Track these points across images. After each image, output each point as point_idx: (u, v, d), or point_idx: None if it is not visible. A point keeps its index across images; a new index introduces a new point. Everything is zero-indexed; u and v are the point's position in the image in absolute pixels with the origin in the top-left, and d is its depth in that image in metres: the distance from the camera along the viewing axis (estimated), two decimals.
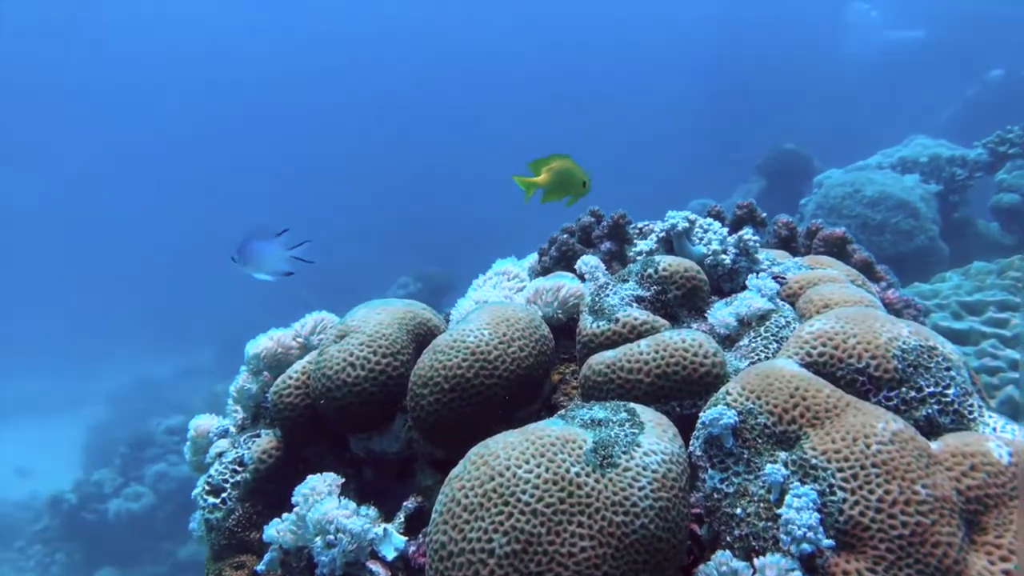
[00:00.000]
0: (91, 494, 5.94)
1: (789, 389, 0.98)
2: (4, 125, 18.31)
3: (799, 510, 0.86)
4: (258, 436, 1.44)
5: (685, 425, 1.06)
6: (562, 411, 1.08)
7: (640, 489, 0.88)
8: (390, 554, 1.12)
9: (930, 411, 1.01)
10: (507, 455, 0.92)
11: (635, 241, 1.66)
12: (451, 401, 1.18)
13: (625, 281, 1.35)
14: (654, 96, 19.39)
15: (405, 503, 1.23)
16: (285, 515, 1.18)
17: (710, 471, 0.98)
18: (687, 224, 1.49)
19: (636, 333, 1.23)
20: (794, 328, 1.22)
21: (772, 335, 1.24)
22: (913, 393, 1.01)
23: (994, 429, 1.00)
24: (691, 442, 1.03)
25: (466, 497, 0.90)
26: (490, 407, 1.19)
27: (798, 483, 0.90)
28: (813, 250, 1.70)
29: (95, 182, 19.41)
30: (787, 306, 1.32)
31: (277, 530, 1.17)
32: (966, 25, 12.81)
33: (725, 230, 1.51)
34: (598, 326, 1.27)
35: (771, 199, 6.17)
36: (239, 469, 1.41)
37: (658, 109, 19.03)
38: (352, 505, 1.15)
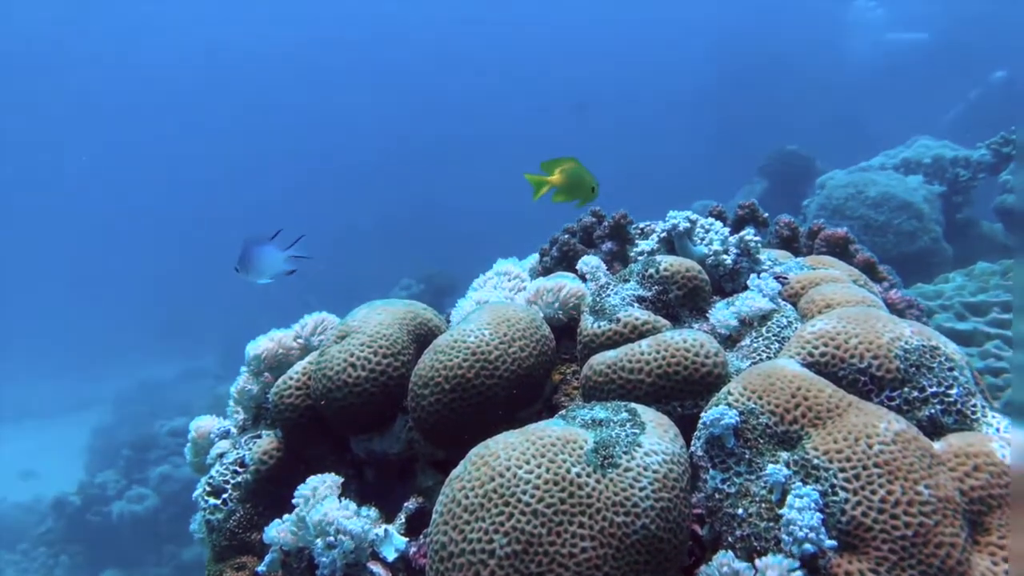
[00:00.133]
0: (95, 496, 5.95)
1: (791, 389, 0.98)
2: (9, 127, 18.38)
3: (801, 510, 0.86)
4: (259, 437, 1.43)
5: (686, 425, 1.06)
6: (563, 411, 1.08)
7: (641, 489, 0.88)
8: (391, 555, 1.11)
9: (933, 411, 1.00)
10: (508, 455, 0.92)
11: (636, 241, 1.66)
12: (452, 401, 1.18)
13: (626, 281, 1.35)
14: (656, 97, 19.40)
15: (406, 504, 1.23)
16: (286, 516, 1.18)
17: (711, 471, 0.97)
18: (688, 224, 1.49)
19: (637, 333, 1.23)
20: (796, 328, 1.21)
21: (774, 335, 1.23)
22: (916, 393, 1.01)
23: (997, 430, 0.99)
24: (692, 442, 1.02)
25: (466, 498, 0.90)
26: (491, 407, 1.19)
27: (800, 483, 0.89)
28: (815, 250, 1.69)
29: (99, 185, 19.48)
30: (789, 306, 1.32)
31: (278, 531, 1.17)
32: (969, 27, 12.80)
33: (727, 230, 1.51)
34: (599, 326, 1.26)
35: (773, 200, 6.17)
36: (240, 470, 1.40)
37: (660, 110, 19.05)
38: (353, 506, 1.15)
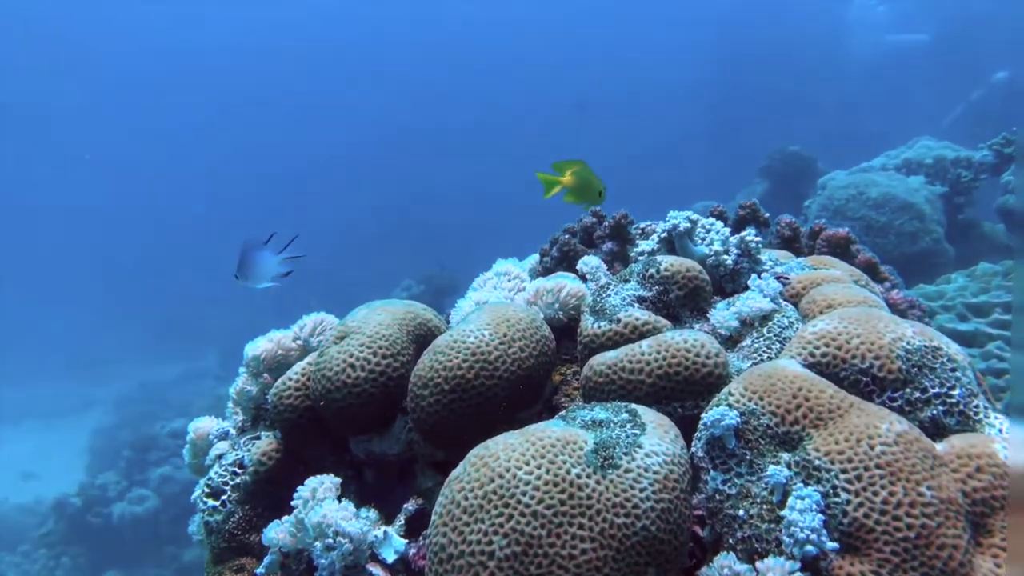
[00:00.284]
0: (95, 497, 5.94)
1: (792, 390, 0.97)
2: (11, 128, 18.41)
3: (802, 512, 0.85)
4: (258, 438, 1.43)
5: (687, 426, 1.05)
6: (563, 412, 1.07)
7: (641, 491, 0.87)
8: (390, 557, 1.11)
9: (935, 412, 0.99)
10: (507, 456, 0.91)
11: (637, 241, 1.65)
12: (451, 402, 1.18)
13: (627, 281, 1.34)
14: (657, 98, 19.42)
15: (405, 505, 1.22)
16: (284, 518, 1.18)
17: (712, 472, 0.97)
18: (689, 224, 1.48)
19: (638, 333, 1.22)
20: (797, 329, 1.21)
21: (775, 336, 1.23)
22: (918, 394, 1.00)
23: (1000, 431, 0.98)
24: (693, 443, 1.02)
25: (466, 499, 0.89)
26: (490, 408, 1.18)
27: (801, 484, 0.89)
28: (816, 250, 1.69)
29: (100, 186, 19.51)
30: (790, 306, 1.31)
31: (276, 533, 1.16)
32: (971, 28, 12.79)
33: (727, 230, 1.50)
34: (599, 326, 1.26)
35: (775, 201, 6.15)
36: (239, 471, 1.40)
37: (662, 111, 19.07)
38: (352, 507, 1.14)
